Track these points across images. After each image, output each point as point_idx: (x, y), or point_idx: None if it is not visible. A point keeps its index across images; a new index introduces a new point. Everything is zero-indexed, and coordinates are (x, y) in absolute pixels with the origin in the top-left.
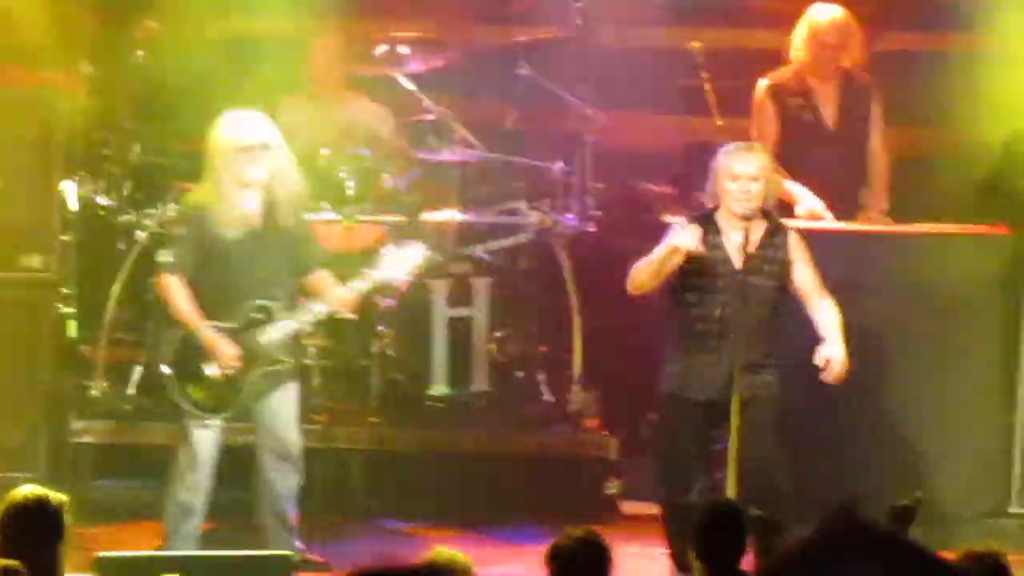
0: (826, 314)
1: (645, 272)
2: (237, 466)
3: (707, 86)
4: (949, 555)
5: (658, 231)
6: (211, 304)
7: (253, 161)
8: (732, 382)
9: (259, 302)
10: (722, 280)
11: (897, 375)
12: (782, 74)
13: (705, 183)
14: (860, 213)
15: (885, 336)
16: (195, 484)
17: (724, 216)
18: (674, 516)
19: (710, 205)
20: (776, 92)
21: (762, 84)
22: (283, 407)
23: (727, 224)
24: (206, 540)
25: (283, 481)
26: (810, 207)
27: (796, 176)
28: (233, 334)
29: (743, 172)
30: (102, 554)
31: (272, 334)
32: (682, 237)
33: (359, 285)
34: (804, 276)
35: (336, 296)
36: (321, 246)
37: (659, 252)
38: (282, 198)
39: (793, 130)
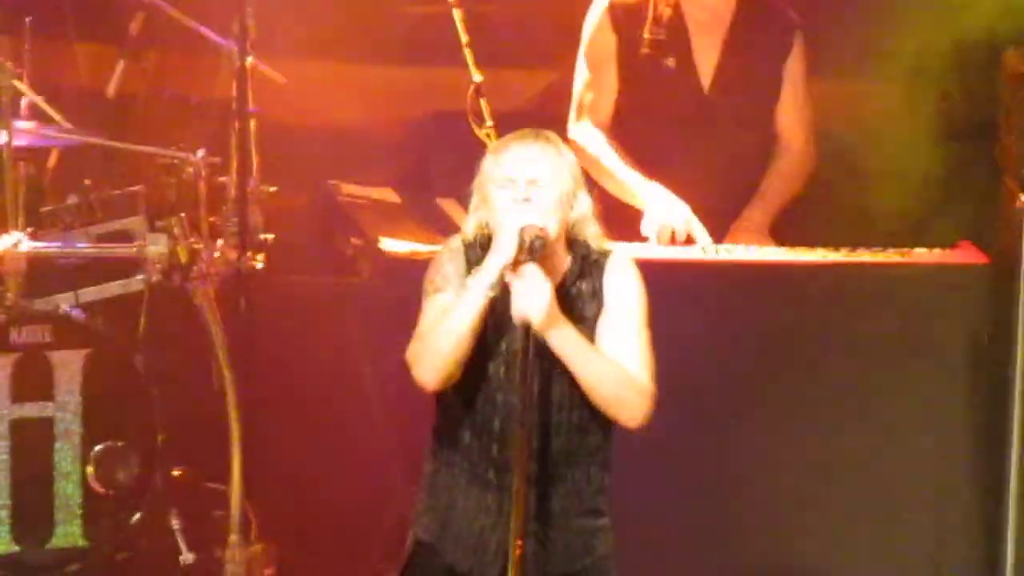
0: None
1: (450, 341)
2: None
3: (456, 13)
4: None
5: (382, 267)
6: None
7: None
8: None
9: None
10: (506, 364)
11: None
12: None
13: (460, 183)
14: (732, 227)
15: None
16: None
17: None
18: None
19: (472, 235)
20: (620, 19)
21: (598, 4)
22: None
23: None
24: None
25: None
26: (664, 219)
27: (649, 168)
28: None
29: (519, 172)
30: None
31: None
32: (531, 288)
33: None
34: (615, 325)
35: None
36: None
37: (473, 303)
38: None
39: (645, 88)
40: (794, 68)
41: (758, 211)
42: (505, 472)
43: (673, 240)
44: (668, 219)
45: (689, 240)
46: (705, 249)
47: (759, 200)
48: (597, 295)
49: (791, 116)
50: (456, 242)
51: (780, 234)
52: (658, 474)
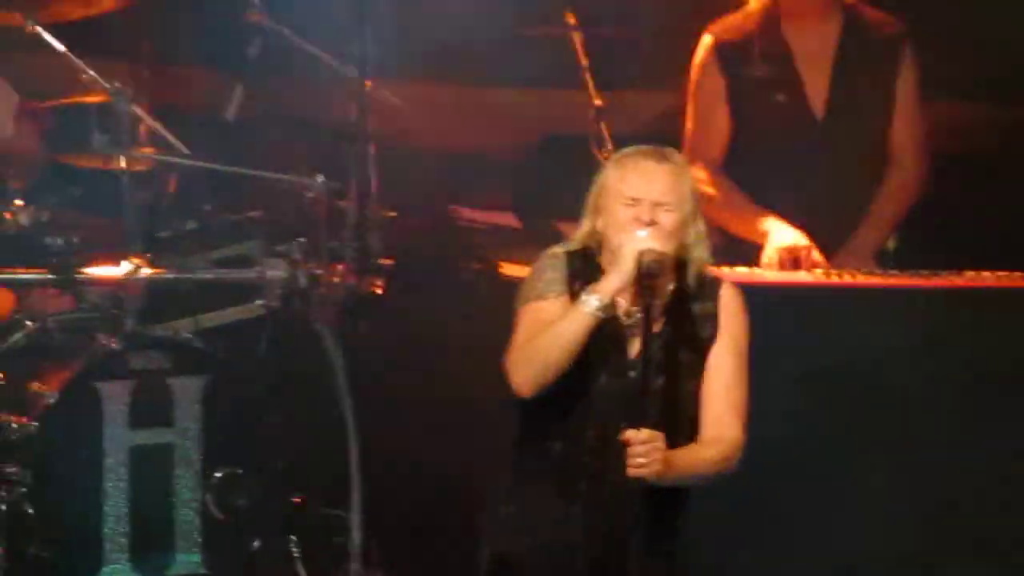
0: (704, 449)
1: (555, 352)
2: None
3: (575, 37)
4: None
5: (492, 289)
6: None
7: None
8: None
9: None
10: (607, 374)
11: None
12: (736, 23)
13: (579, 207)
14: (839, 252)
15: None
16: None
17: (609, 264)
18: None
19: (579, 243)
20: (728, 59)
21: (705, 42)
22: None
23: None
24: None
25: None
26: (785, 244)
27: (764, 202)
28: None
29: (645, 193)
30: None
31: None
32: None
33: None
34: (716, 366)
35: None
36: None
37: (583, 319)
38: None
39: (758, 125)
40: (906, 82)
41: (865, 236)
42: (596, 483)
43: (796, 265)
44: (791, 243)
45: (812, 265)
46: (827, 273)
47: (868, 223)
48: (710, 320)
49: (903, 133)
50: (558, 250)
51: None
52: (765, 499)
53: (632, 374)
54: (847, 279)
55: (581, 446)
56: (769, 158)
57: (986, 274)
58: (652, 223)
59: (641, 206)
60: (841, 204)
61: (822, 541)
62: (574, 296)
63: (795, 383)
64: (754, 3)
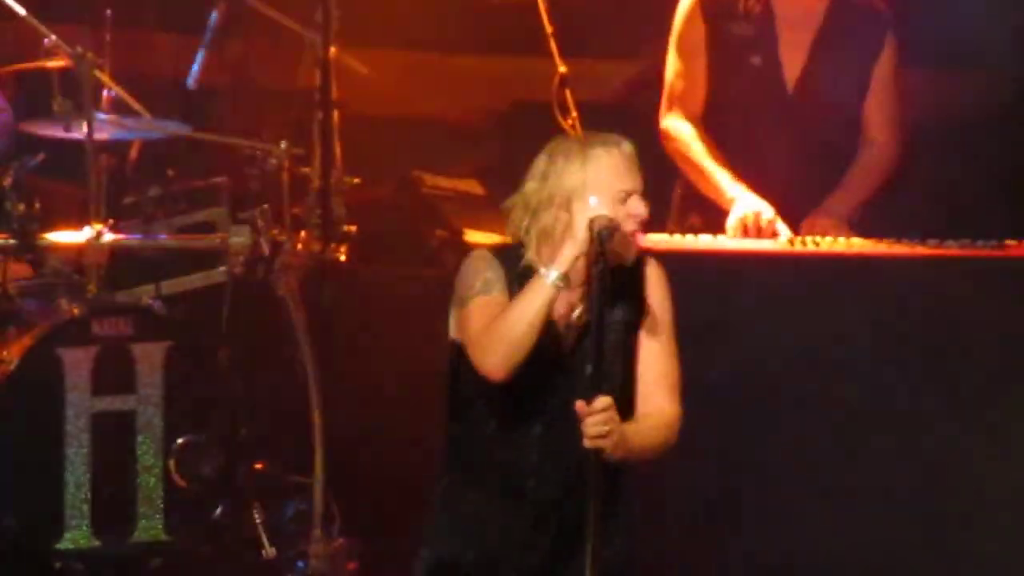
0: (645, 424)
1: (522, 329)
2: None
3: (541, 3)
4: None
5: (457, 256)
6: None
7: None
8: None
9: None
10: (553, 370)
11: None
12: None
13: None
14: (809, 216)
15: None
16: None
17: (544, 257)
18: None
19: (510, 239)
20: (710, 10)
21: None
22: None
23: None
24: None
25: None
26: (748, 212)
27: (735, 162)
28: None
29: (635, 184)
30: None
31: None
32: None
33: None
34: (647, 343)
35: None
36: None
37: (544, 291)
38: None
39: (731, 83)
40: (884, 67)
41: (837, 202)
42: (545, 482)
43: (757, 232)
44: (753, 211)
45: (775, 234)
46: (792, 240)
47: (839, 192)
48: (632, 297)
49: (877, 113)
50: (482, 251)
51: (867, 225)
52: (722, 471)
53: (588, 368)
54: (811, 247)
55: (527, 443)
56: (742, 119)
57: (950, 243)
58: (646, 215)
59: (636, 196)
60: (813, 175)
61: (788, 532)
62: (512, 295)
63: (762, 353)
64: None
